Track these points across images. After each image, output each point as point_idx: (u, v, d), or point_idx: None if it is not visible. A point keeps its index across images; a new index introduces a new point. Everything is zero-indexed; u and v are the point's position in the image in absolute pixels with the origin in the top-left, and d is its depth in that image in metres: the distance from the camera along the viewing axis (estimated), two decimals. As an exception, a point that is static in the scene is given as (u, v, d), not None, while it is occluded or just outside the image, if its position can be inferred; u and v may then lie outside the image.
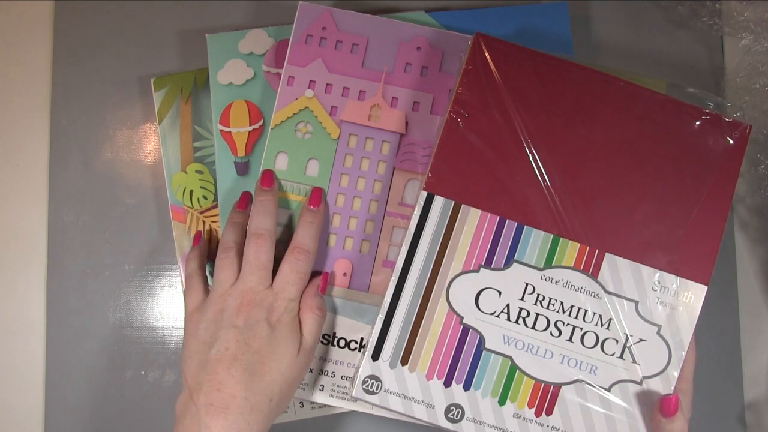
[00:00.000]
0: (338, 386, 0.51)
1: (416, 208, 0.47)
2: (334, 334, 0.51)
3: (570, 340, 0.46)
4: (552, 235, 0.47)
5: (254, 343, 0.45)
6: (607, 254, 0.46)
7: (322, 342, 0.51)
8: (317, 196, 0.50)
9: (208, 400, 0.43)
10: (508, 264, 0.47)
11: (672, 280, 0.46)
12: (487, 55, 0.47)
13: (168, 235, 0.55)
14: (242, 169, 0.53)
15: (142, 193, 0.56)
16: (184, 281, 0.51)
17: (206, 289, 0.50)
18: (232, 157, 0.53)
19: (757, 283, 0.57)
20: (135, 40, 0.57)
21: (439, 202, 0.47)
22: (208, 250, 0.54)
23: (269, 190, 0.50)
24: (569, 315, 0.46)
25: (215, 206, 0.54)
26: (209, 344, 0.45)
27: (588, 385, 0.46)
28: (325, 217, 0.51)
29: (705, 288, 0.47)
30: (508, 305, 0.46)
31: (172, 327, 0.56)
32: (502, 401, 0.46)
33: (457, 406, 0.46)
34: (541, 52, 0.47)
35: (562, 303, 0.46)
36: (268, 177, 0.50)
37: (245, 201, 0.51)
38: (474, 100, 0.47)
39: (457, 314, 0.46)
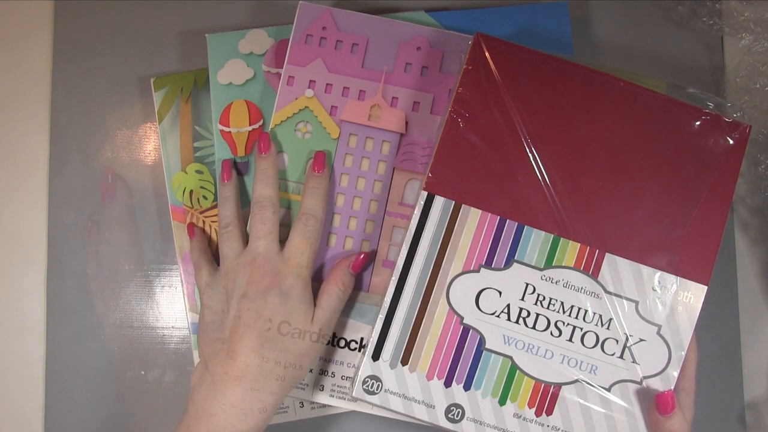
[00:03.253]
0: (338, 386, 0.51)
1: (416, 208, 0.47)
2: (335, 334, 0.51)
3: (570, 340, 0.46)
4: (552, 235, 0.47)
5: (265, 311, 0.45)
6: (607, 254, 0.46)
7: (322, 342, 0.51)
8: (320, 160, 0.49)
9: (223, 369, 0.44)
10: (508, 264, 0.47)
11: (672, 280, 0.46)
12: (487, 55, 0.47)
13: (168, 235, 0.55)
14: (242, 169, 0.53)
15: (142, 193, 0.56)
16: (194, 267, 0.51)
17: (213, 267, 0.50)
18: (232, 157, 0.53)
19: (757, 283, 0.57)
20: (135, 40, 0.57)
21: (439, 202, 0.47)
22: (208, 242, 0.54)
23: (268, 155, 0.49)
24: (569, 315, 0.46)
25: (215, 206, 0.54)
26: (222, 315, 0.46)
27: (588, 385, 0.46)
28: (326, 216, 0.51)
29: (705, 288, 0.47)
30: (508, 305, 0.46)
31: (172, 327, 0.56)
32: (502, 401, 0.46)
33: (458, 406, 0.46)
34: (542, 52, 0.47)
35: (562, 303, 0.46)
36: (266, 142, 0.49)
37: (228, 172, 0.51)
38: (474, 100, 0.47)
39: (458, 314, 0.46)
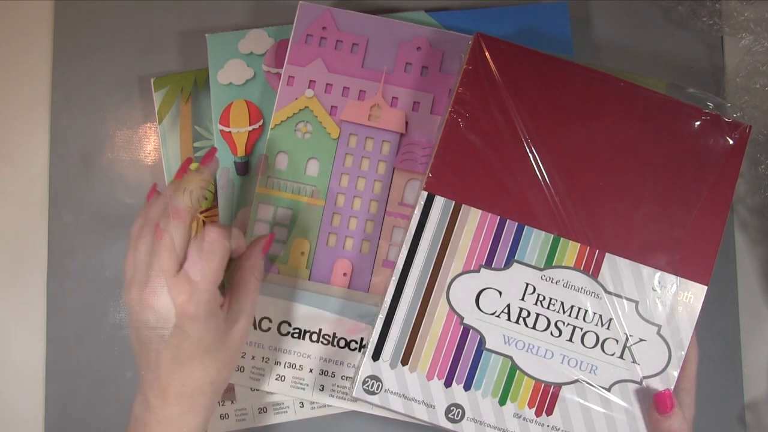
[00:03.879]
0: (338, 386, 0.51)
1: (416, 208, 0.47)
2: (334, 334, 0.51)
3: (570, 340, 0.46)
4: (552, 235, 0.47)
5: (172, 339, 0.42)
6: (607, 254, 0.46)
7: (322, 342, 0.51)
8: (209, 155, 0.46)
9: (149, 379, 0.43)
10: (508, 264, 0.47)
11: (672, 280, 0.46)
12: (487, 55, 0.47)
13: (168, 235, 0.55)
14: (242, 169, 0.53)
15: (142, 193, 0.56)
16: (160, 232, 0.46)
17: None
18: (232, 157, 0.53)
19: (757, 283, 0.57)
20: (135, 40, 0.57)
21: (439, 202, 0.47)
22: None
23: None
24: (569, 315, 0.46)
25: (215, 206, 0.54)
26: (134, 322, 0.44)
27: (588, 385, 0.46)
28: (325, 214, 0.51)
29: (705, 288, 0.47)
30: (508, 305, 0.46)
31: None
32: (502, 401, 0.46)
33: (458, 406, 0.46)
34: (542, 52, 0.47)
35: (562, 303, 0.46)
36: (152, 190, 0.47)
37: (184, 170, 0.47)
38: (474, 100, 0.47)
39: (458, 314, 0.46)
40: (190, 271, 0.42)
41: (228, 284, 0.46)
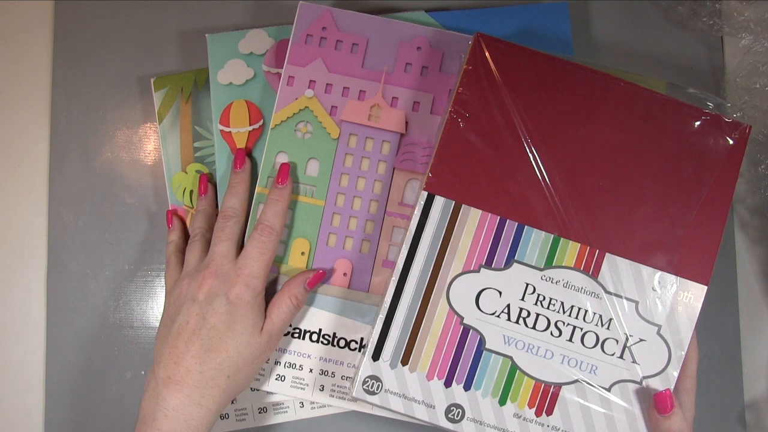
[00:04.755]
0: (338, 386, 0.51)
1: (417, 208, 0.47)
2: (334, 334, 0.51)
3: (570, 340, 0.46)
4: (552, 235, 0.47)
5: (212, 318, 0.45)
6: (607, 254, 0.46)
7: (322, 342, 0.51)
8: (284, 173, 0.50)
9: (166, 374, 0.44)
10: (508, 264, 0.47)
11: (672, 280, 0.46)
12: (487, 55, 0.47)
13: (168, 235, 0.55)
14: (242, 169, 0.53)
15: (142, 193, 0.56)
16: (165, 262, 0.52)
17: (181, 268, 0.50)
18: (232, 157, 0.53)
19: (757, 283, 0.57)
20: (135, 40, 0.57)
21: (439, 202, 0.47)
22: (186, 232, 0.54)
23: (241, 171, 0.51)
24: (569, 315, 0.46)
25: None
26: (174, 318, 0.46)
27: (588, 385, 0.46)
28: (325, 214, 0.51)
29: (705, 288, 0.47)
30: (508, 305, 0.46)
31: (172, 327, 0.56)
32: (502, 401, 0.46)
33: (458, 406, 0.46)
34: (542, 52, 0.47)
35: (562, 303, 0.46)
36: (241, 157, 0.51)
37: (205, 186, 0.53)
38: (474, 100, 0.47)
39: (458, 314, 0.46)
40: (246, 259, 0.47)
41: (270, 302, 0.49)
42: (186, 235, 0.53)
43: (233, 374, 0.45)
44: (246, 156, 0.51)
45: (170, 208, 0.54)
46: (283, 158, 0.51)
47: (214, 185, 0.54)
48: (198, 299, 0.46)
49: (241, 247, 0.49)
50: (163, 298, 0.56)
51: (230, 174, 0.51)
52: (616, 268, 0.46)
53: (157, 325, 0.55)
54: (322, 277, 0.50)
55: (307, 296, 0.50)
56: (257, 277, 0.47)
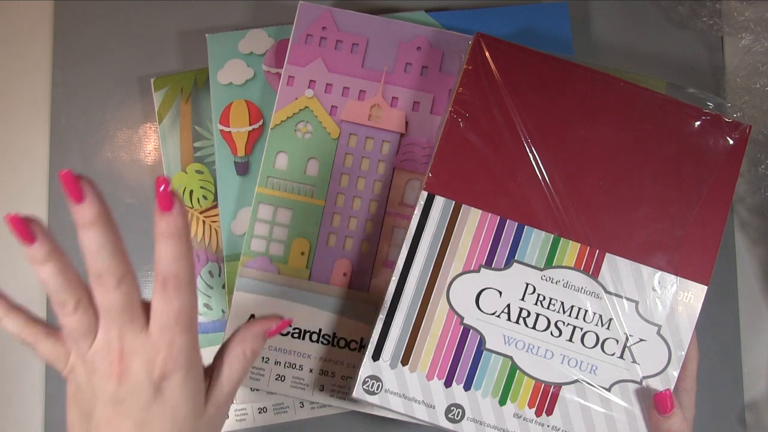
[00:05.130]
0: (338, 386, 0.51)
1: (417, 208, 0.47)
2: (335, 334, 0.51)
3: (570, 340, 0.46)
4: (552, 235, 0.47)
5: (137, 415, 0.34)
6: (607, 254, 0.46)
7: (322, 342, 0.51)
8: (165, 192, 0.33)
9: None
10: (508, 264, 0.47)
11: (672, 280, 0.46)
12: (487, 55, 0.47)
13: (168, 235, 0.55)
14: (242, 169, 0.53)
15: (142, 193, 0.56)
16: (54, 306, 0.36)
17: (59, 340, 0.36)
18: (232, 157, 0.53)
19: (757, 283, 0.57)
20: (135, 40, 0.57)
21: (439, 202, 0.47)
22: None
23: (82, 206, 0.33)
24: (569, 315, 0.46)
25: (215, 206, 0.54)
26: (88, 417, 0.35)
27: (588, 385, 0.46)
28: (325, 214, 0.51)
29: (705, 288, 0.47)
30: (508, 305, 0.46)
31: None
32: (502, 401, 0.46)
33: (458, 406, 0.46)
34: (542, 52, 0.47)
35: (562, 303, 0.46)
36: (76, 193, 0.32)
37: (28, 235, 0.34)
38: (474, 100, 0.47)
39: (458, 314, 0.46)
40: (158, 325, 0.34)
41: (216, 355, 0.39)
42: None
43: None
44: (83, 183, 0.32)
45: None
46: (283, 158, 0.51)
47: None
48: (112, 393, 0.34)
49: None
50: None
51: (72, 211, 0.33)
52: (616, 268, 0.46)
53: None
54: (287, 325, 0.39)
55: (262, 347, 0.39)
56: (181, 345, 0.34)
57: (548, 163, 0.47)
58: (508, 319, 0.46)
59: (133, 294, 0.34)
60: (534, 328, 0.46)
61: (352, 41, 0.52)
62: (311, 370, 0.51)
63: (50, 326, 0.37)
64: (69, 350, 0.36)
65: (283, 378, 0.51)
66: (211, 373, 0.37)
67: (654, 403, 0.45)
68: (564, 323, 0.46)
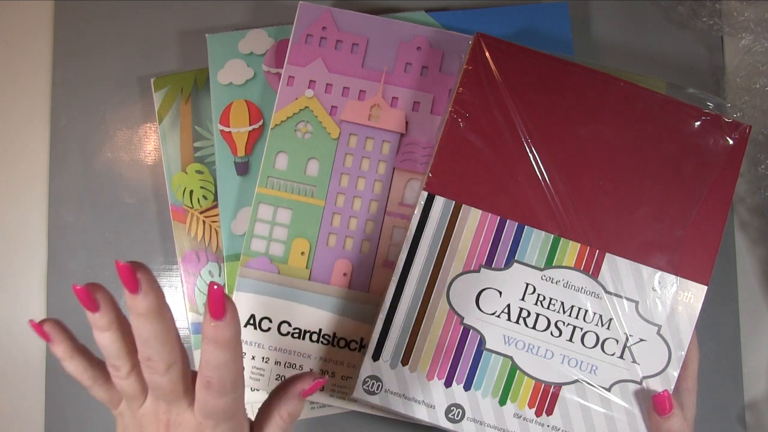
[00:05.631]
0: (338, 386, 0.51)
1: (417, 209, 0.47)
2: (335, 334, 0.51)
3: (570, 340, 0.46)
4: (552, 236, 0.47)
5: None
6: (607, 254, 0.46)
7: (322, 342, 0.51)
8: (218, 301, 0.31)
9: None
10: (508, 264, 0.47)
11: (672, 280, 0.46)
12: (487, 55, 0.47)
13: (168, 235, 0.55)
14: (242, 169, 0.53)
15: (142, 193, 0.56)
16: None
17: (110, 384, 0.37)
18: (232, 157, 0.53)
19: (757, 283, 0.57)
20: (135, 40, 0.57)
21: (439, 202, 0.47)
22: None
23: (148, 312, 0.32)
24: (569, 315, 0.46)
25: (215, 206, 0.54)
26: None
27: (588, 385, 0.46)
28: (325, 214, 0.51)
29: (705, 288, 0.47)
30: (508, 305, 0.46)
31: (172, 327, 0.56)
32: (502, 401, 0.46)
33: (458, 406, 0.46)
34: (542, 53, 0.47)
35: (562, 303, 0.46)
36: (133, 284, 0.31)
37: (93, 304, 0.33)
38: (475, 100, 0.47)
39: (458, 314, 0.46)
40: (202, 412, 0.34)
41: (256, 419, 0.38)
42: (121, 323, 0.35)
43: None
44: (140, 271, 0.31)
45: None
46: (283, 158, 0.51)
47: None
48: None
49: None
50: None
51: (127, 301, 0.32)
52: (616, 268, 0.46)
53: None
54: (321, 385, 0.37)
55: (302, 408, 0.38)
56: (233, 409, 0.34)
57: (548, 163, 0.47)
58: (508, 319, 0.46)
59: (181, 378, 0.34)
60: (534, 328, 0.46)
61: (352, 41, 0.52)
62: (311, 370, 0.51)
63: (107, 372, 0.36)
64: (122, 398, 0.36)
65: (283, 378, 0.51)
66: None
67: (653, 405, 0.45)
68: (564, 323, 0.46)
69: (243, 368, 0.34)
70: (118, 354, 0.34)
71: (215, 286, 0.31)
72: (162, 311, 0.32)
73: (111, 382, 0.36)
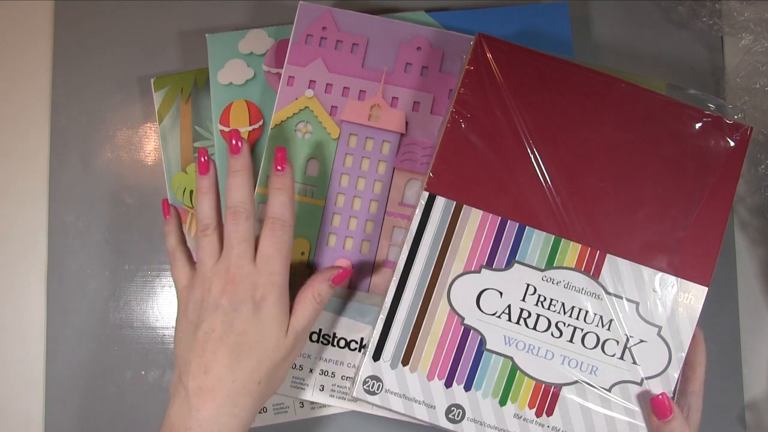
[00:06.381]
0: (338, 386, 0.51)
1: (418, 209, 0.47)
2: (335, 334, 0.51)
3: (571, 340, 0.46)
4: (553, 236, 0.47)
5: (239, 324, 0.43)
6: (608, 255, 0.46)
7: (322, 342, 0.51)
8: (281, 157, 0.46)
9: (196, 383, 0.43)
10: (509, 265, 0.47)
11: (672, 282, 0.46)
12: (489, 56, 0.47)
13: (168, 235, 0.55)
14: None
15: (142, 193, 0.56)
16: (169, 257, 0.49)
17: (192, 263, 0.48)
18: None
19: (757, 283, 0.57)
20: (135, 40, 0.57)
21: (440, 202, 0.47)
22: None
23: (240, 156, 0.46)
24: (570, 316, 0.46)
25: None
26: (196, 325, 0.44)
27: (588, 386, 0.46)
28: (325, 214, 0.51)
29: (705, 289, 0.47)
30: (509, 306, 0.46)
31: (172, 327, 0.56)
32: (502, 402, 0.46)
33: (458, 406, 0.46)
34: (543, 53, 0.47)
35: (563, 304, 0.46)
36: (236, 139, 0.46)
37: (206, 164, 0.47)
38: (476, 100, 0.47)
39: (458, 315, 0.46)
40: (266, 259, 0.45)
41: (296, 298, 0.47)
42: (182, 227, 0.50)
43: (264, 379, 0.44)
44: (241, 138, 0.46)
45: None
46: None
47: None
48: (222, 305, 0.44)
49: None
50: (164, 298, 0.56)
51: (228, 161, 0.46)
52: (617, 269, 0.46)
53: (157, 325, 0.56)
54: (349, 274, 0.48)
55: (332, 293, 0.48)
56: (279, 274, 0.45)
57: (549, 164, 0.47)
58: (509, 320, 0.46)
59: (253, 230, 0.45)
60: (534, 328, 0.46)
61: (352, 41, 0.52)
62: (311, 370, 0.51)
63: (191, 256, 0.48)
64: (194, 272, 0.47)
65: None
66: (291, 309, 0.46)
67: (652, 409, 0.45)
68: (564, 324, 0.46)
69: (294, 215, 0.46)
70: (210, 214, 0.46)
71: (278, 152, 0.46)
72: (251, 172, 0.46)
73: (191, 260, 0.48)
